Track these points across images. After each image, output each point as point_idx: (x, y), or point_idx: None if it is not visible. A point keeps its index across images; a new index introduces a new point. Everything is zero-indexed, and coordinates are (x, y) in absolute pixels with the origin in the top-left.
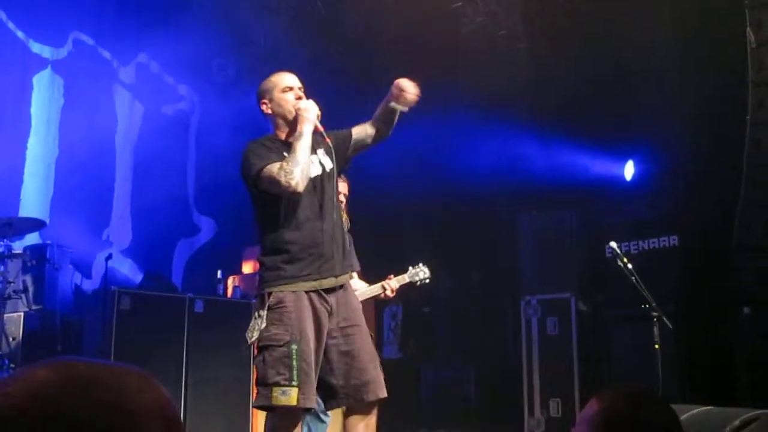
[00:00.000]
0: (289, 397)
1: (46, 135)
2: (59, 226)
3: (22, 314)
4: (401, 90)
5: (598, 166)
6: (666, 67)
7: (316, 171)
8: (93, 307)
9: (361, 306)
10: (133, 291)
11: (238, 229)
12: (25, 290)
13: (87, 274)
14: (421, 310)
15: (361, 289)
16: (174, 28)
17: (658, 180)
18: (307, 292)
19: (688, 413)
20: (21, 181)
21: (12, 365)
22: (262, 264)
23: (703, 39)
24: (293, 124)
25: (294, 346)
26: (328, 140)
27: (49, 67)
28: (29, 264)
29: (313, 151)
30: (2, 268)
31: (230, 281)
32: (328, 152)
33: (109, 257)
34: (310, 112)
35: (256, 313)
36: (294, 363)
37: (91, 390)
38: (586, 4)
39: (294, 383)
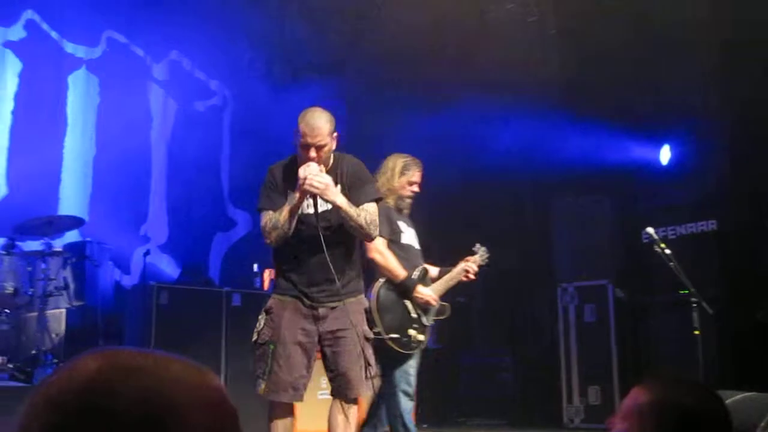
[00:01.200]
0: (260, 388)
1: (83, 133)
2: (98, 223)
3: (64, 310)
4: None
5: (634, 150)
6: (703, 49)
7: (310, 209)
8: (132, 303)
9: (360, 308)
10: (171, 286)
11: None
12: (67, 287)
13: (126, 270)
14: (457, 299)
15: (439, 280)
16: (204, 24)
17: (694, 164)
18: (292, 302)
19: (730, 399)
20: (59, 180)
21: (55, 360)
22: (273, 280)
23: (742, 19)
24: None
25: (271, 346)
26: (339, 172)
27: (84, 66)
28: (70, 261)
29: (311, 195)
30: (44, 265)
31: (266, 274)
32: (338, 188)
33: (147, 253)
34: (304, 183)
35: (259, 317)
36: (269, 360)
37: (130, 379)
38: None
39: (264, 377)
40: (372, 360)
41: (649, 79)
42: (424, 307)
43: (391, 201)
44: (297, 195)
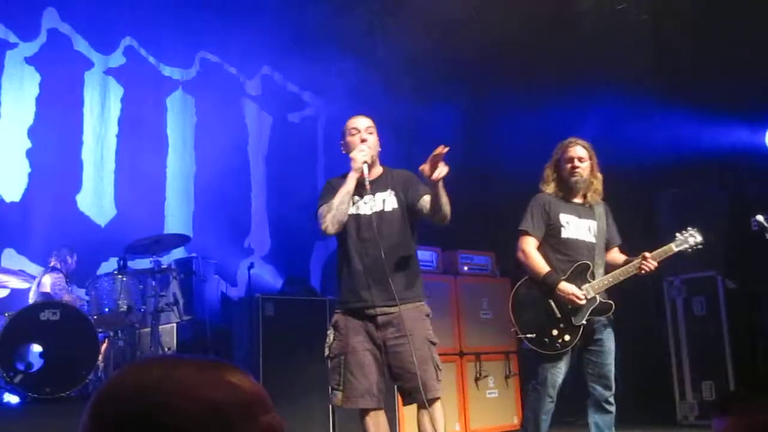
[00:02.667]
0: (337, 398)
1: (183, 152)
2: (202, 239)
3: (174, 325)
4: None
5: (738, 135)
6: None
7: (364, 210)
8: (239, 315)
9: (422, 315)
10: (276, 297)
11: None
12: (176, 302)
13: (232, 282)
14: None
15: (604, 276)
16: (294, 37)
17: None
18: (354, 312)
19: None
20: (164, 199)
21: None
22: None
23: None
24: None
25: (342, 358)
26: (387, 176)
27: (180, 87)
28: (178, 277)
29: (366, 192)
30: (154, 282)
31: None
32: (392, 192)
33: (251, 266)
34: (357, 161)
35: (327, 333)
36: (341, 371)
37: (158, 391)
38: None
39: (340, 387)
40: (440, 363)
41: (748, 59)
42: (575, 306)
43: (549, 189)
44: (349, 175)
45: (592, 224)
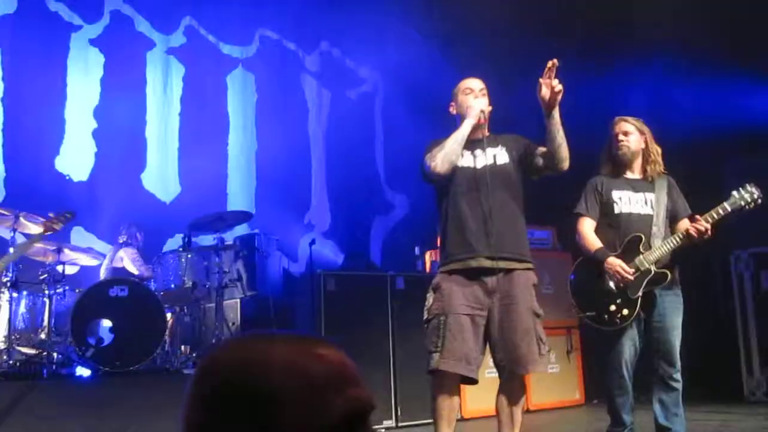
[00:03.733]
0: (435, 361)
1: (244, 130)
2: (264, 215)
3: (238, 301)
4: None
5: None
6: None
7: (477, 163)
8: (301, 291)
9: (529, 284)
10: (337, 273)
11: (431, 203)
12: (240, 278)
13: (293, 258)
14: None
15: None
16: (351, 13)
17: None
18: (461, 271)
19: None
20: (226, 176)
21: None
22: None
23: None
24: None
25: (442, 318)
26: (496, 137)
27: (240, 65)
28: (241, 254)
29: (478, 146)
30: (218, 259)
31: (428, 256)
32: (503, 148)
33: (312, 242)
34: (474, 109)
35: (427, 296)
36: (441, 332)
37: (257, 364)
38: None
39: (438, 348)
40: (543, 336)
41: None
42: (625, 281)
43: (604, 170)
44: (465, 121)
45: (650, 196)
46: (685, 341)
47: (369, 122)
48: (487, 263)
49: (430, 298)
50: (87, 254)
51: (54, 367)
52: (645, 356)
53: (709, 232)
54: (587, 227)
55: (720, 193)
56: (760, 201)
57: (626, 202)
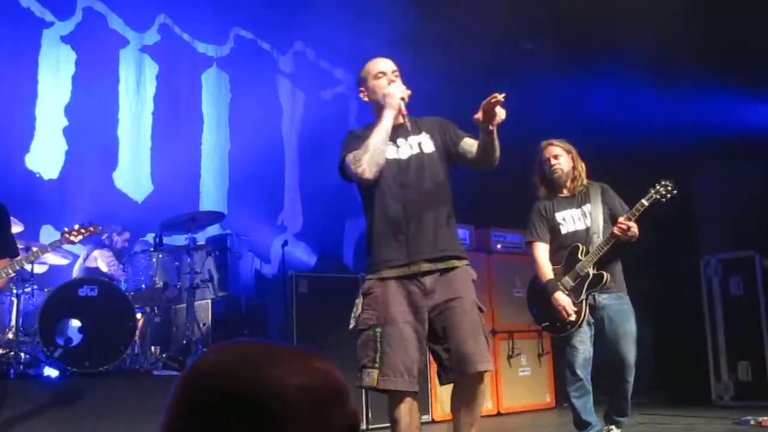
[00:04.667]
0: (372, 378)
1: (218, 129)
2: (236, 216)
3: (209, 301)
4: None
5: None
6: None
7: (401, 154)
8: (273, 292)
9: (468, 279)
10: (309, 274)
11: None
12: (211, 279)
13: (266, 259)
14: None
15: (592, 251)
16: (325, 14)
17: None
18: (395, 278)
19: None
20: (199, 176)
21: (204, 349)
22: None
23: None
24: None
25: (378, 329)
26: (417, 121)
27: (215, 64)
28: (213, 254)
29: (401, 135)
30: (189, 259)
31: None
32: (427, 134)
33: (285, 243)
34: (393, 97)
35: (355, 302)
36: (377, 344)
37: (243, 371)
38: None
39: (375, 364)
40: (487, 333)
41: None
42: (577, 284)
43: (542, 193)
44: (385, 112)
45: (586, 208)
46: (653, 346)
47: (343, 123)
48: (427, 266)
49: (359, 305)
50: (56, 253)
51: (21, 367)
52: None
53: (633, 229)
54: (541, 253)
55: (691, 200)
56: (675, 192)
57: (570, 221)
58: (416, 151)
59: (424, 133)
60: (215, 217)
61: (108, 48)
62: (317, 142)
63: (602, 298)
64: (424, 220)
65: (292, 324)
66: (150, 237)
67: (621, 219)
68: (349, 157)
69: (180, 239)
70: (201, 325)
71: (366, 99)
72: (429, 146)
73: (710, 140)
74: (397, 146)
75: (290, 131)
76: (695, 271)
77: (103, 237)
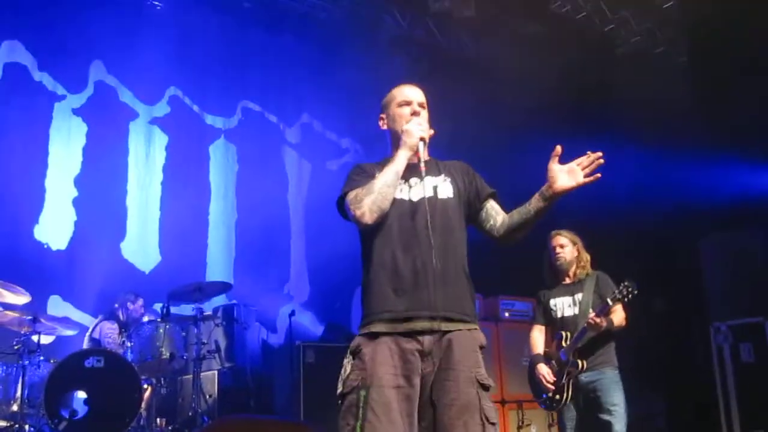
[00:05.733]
0: None
1: (225, 200)
2: (243, 286)
3: (216, 372)
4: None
5: None
6: None
7: (413, 195)
8: (280, 362)
9: (474, 346)
10: (317, 344)
11: None
12: (218, 349)
13: (272, 329)
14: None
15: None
16: (332, 86)
17: None
18: (388, 333)
19: None
20: (206, 246)
21: (210, 421)
22: None
23: None
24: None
25: (363, 392)
26: (438, 163)
27: (222, 136)
28: (220, 324)
29: (415, 174)
30: (196, 330)
31: None
32: (447, 178)
33: (292, 313)
34: (411, 136)
35: (344, 362)
36: (359, 410)
37: None
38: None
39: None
40: (491, 415)
41: None
42: (559, 369)
43: (548, 279)
44: (399, 152)
45: (577, 297)
46: (666, 414)
47: None
48: (427, 324)
49: (348, 365)
50: (62, 324)
51: None
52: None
53: (602, 323)
54: (535, 333)
55: (699, 268)
56: (635, 293)
57: (560, 307)
58: (430, 194)
59: (443, 176)
60: (222, 287)
61: (118, 120)
62: (324, 212)
63: (583, 378)
64: (430, 273)
65: (300, 394)
66: (158, 307)
67: (591, 315)
68: (350, 196)
69: (187, 309)
70: (207, 396)
71: (384, 127)
72: (446, 191)
73: (715, 209)
74: (410, 186)
75: (297, 201)
76: (706, 339)
77: (116, 306)
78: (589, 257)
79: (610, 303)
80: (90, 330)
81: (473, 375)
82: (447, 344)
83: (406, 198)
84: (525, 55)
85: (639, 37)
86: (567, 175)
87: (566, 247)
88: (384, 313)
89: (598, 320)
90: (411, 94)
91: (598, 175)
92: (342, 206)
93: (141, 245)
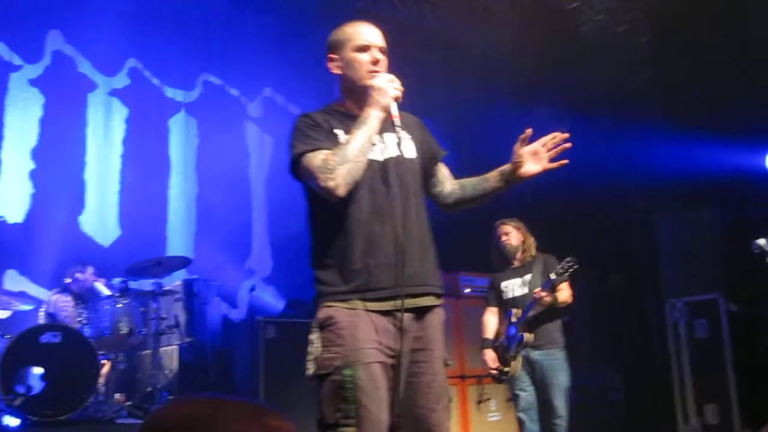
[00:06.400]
0: None
1: (185, 174)
2: (204, 261)
3: (176, 347)
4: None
5: (737, 158)
6: None
7: (377, 154)
8: (241, 337)
9: (441, 324)
10: (278, 320)
11: None
12: (177, 324)
13: (233, 304)
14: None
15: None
16: (295, 59)
17: None
18: (369, 310)
19: None
20: (166, 221)
21: (170, 397)
22: (315, 279)
23: None
24: (362, 96)
25: (348, 373)
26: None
27: (183, 110)
28: (179, 299)
29: (384, 130)
30: (155, 305)
31: None
32: (409, 135)
33: (252, 288)
34: (386, 95)
35: (310, 337)
36: (350, 394)
37: (204, 426)
38: None
39: (351, 422)
40: (451, 394)
41: (746, 81)
42: (509, 344)
43: (498, 264)
44: (371, 112)
45: (526, 278)
46: (624, 389)
47: None
48: (409, 301)
49: (317, 340)
50: (19, 299)
51: None
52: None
53: (546, 299)
54: (488, 316)
55: (655, 246)
56: (576, 266)
57: (511, 289)
58: (395, 153)
59: (405, 132)
60: (182, 261)
61: (77, 91)
62: (286, 186)
63: (534, 354)
64: (407, 242)
65: (260, 370)
66: (116, 282)
67: (537, 290)
68: (316, 161)
69: (146, 284)
70: (167, 371)
71: (336, 71)
72: (411, 150)
73: (670, 186)
74: (373, 143)
75: (258, 176)
76: (661, 315)
77: (67, 280)
78: (533, 240)
79: (553, 277)
80: (44, 306)
81: (443, 355)
82: (423, 321)
83: (373, 158)
84: (488, 30)
85: (602, 15)
86: (533, 158)
87: (511, 233)
88: (368, 292)
89: (543, 294)
90: (370, 36)
91: (565, 161)
92: (300, 170)
93: (100, 219)
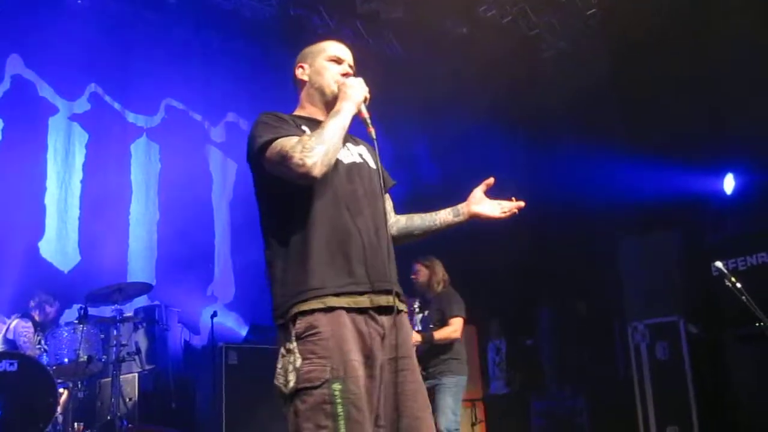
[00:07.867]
0: None
1: (146, 200)
2: (165, 287)
3: (136, 375)
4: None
5: (697, 182)
6: (762, 73)
7: (345, 157)
8: (202, 364)
9: (410, 331)
10: (239, 346)
11: None
12: (138, 352)
13: (195, 330)
14: (525, 342)
15: None
16: (258, 85)
17: (761, 191)
18: (346, 309)
19: None
20: (127, 246)
21: (130, 425)
22: (274, 279)
23: None
24: (329, 103)
25: (337, 387)
26: (356, 140)
27: (145, 134)
28: (140, 326)
29: (349, 141)
30: (116, 332)
31: None
32: (371, 153)
33: (214, 315)
34: (356, 90)
35: (283, 349)
36: (339, 409)
37: None
38: (670, 14)
39: None
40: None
41: (707, 107)
42: None
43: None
44: (344, 104)
45: (426, 313)
46: (589, 411)
47: None
48: (386, 300)
49: (296, 351)
50: None
51: None
52: None
53: (417, 338)
54: None
55: (617, 268)
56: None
57: (417, 324)
58: (359, 160)
59: (362, 147)
60: (143, 288)
61: (37, 116)
62: (249, 212)
63: (427, 383)
64: (376, 241)
65: (221, 397)
66: (76, 308)
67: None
68: (287, 143)
69: (107, 311)
70: (127, 399)
71: (303, 77)
72: (370, 161)
73: (632, 210)
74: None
75: (221, 201)
76: (624, 338)
77: (32, 304)
78: (442, 277)
79: (419, 323)
80: (5, 329)
81: (417, 365)
82: (397, 326)
83: (339, 158)
84: (451, 56)
85: (564, 42)
86: (489, 203)
87: (420, 271)
88: (341, 285)
89: (417, 337)
90: (343, 53)
91: (515, 211)
92: (262, 156)
93: (60, 244)
